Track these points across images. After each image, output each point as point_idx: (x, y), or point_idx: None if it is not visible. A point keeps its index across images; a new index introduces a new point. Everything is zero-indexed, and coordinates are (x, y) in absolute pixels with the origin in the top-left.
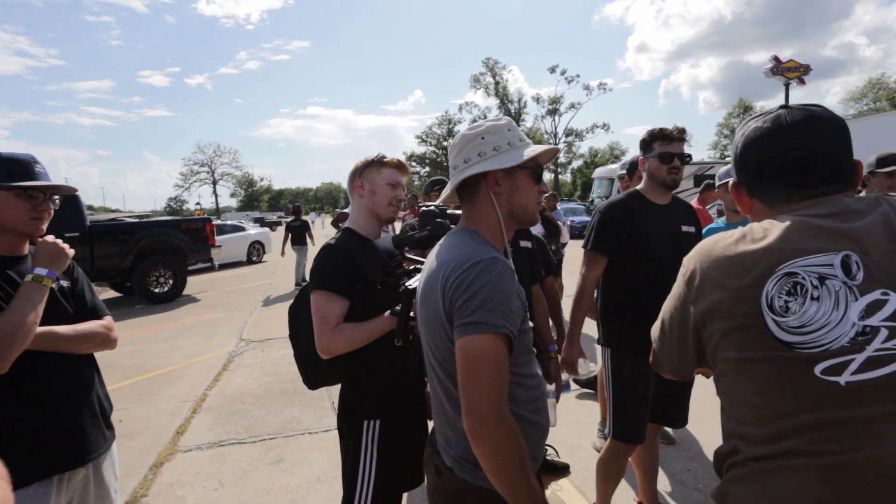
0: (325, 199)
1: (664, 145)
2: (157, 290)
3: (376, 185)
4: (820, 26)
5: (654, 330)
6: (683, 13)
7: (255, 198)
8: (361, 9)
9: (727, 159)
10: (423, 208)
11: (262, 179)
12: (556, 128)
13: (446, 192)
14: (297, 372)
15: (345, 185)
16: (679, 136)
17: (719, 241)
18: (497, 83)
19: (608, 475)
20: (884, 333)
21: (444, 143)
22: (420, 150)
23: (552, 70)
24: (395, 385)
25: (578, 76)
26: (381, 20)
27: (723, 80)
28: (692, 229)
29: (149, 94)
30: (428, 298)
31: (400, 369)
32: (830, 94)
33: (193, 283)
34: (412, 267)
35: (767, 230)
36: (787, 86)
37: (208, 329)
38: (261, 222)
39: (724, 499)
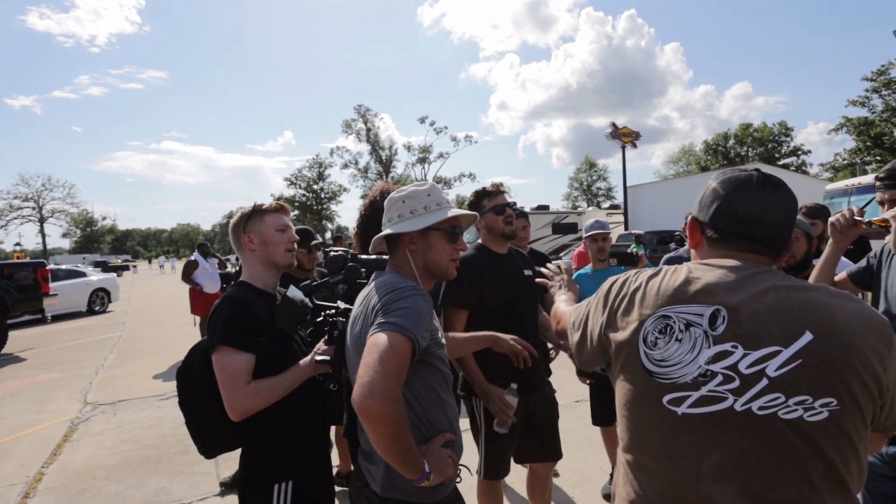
0: (182, 241)
1: (492, 200)
2: None
3: (265, 234)
4: (644, 100)
5: (572, 324)
6: (538, 79)
7: (94, 239)
8: (227, 44)
9: (579, 209)
10: (332, 254)
11: (104, 218)
12: (425, 176)
13: (373, 244)
14: (161, 436)
15: (204, 226)
16: (501, 189)
17: (634, 279)
18: (369, 129)
19: None
20: (719, 378)
21: (315, 187)
22: (289, 192)
23: (422, 120)
24: (307, 439)
25: (446, 128)
26: (250, 58)
27: (571, 139)
28: (531, 272)
29: None
30: (357, 323)
31: (315, 420)
32: (654, 156)
33: (17, 339)
34: (326, 313)
35: (666, 277)
36: (623, 148)
37: (39, 393)
38: (104, 267)
39: (620, 488)
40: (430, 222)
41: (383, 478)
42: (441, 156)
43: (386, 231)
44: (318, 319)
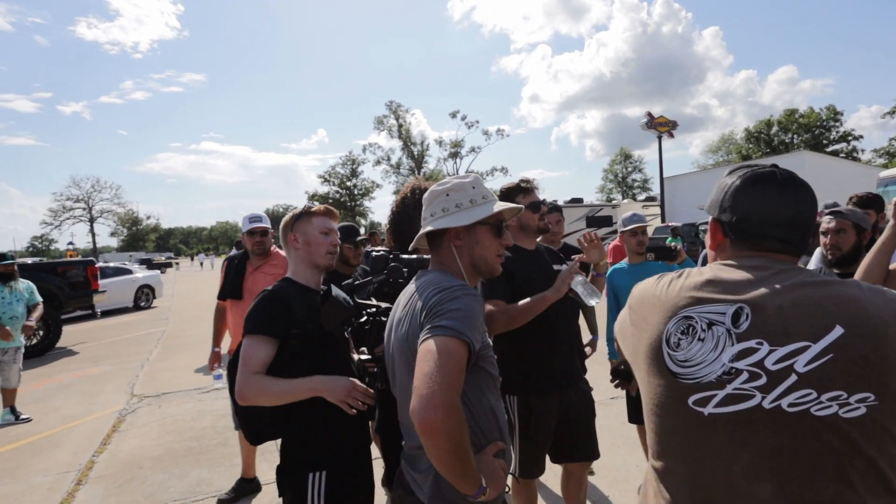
0: (221, 238)
1: (527, 196)
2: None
3: (310, 235)
4: (682, 88)
5: (616, 333)
6: (570, 69)
7: (139, 237)
8: (263, 45)
9: (613, 202)
10: (374, 254)
11: (148, 217)
12: (457, 170)
13: (417, 240)
14: (202, 428)
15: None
16: (534, 186)
17: (657, 283)
18: (400, 125)
19: None
20: (745, 376)
21: (348, 184)
22: (323, 189)
23: (453, 115)
24: (343, 433)
25: (478, 122)
26: (284, 58)
27: (606, 130)
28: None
29: (10, 119)
30: (402, 325)
31: (353, 415)
32: (693, 146)
33: (70, 334)
34: (367, 311)
35: (688, 278)
36: (659, 138)
37: (91, 385)
38: (148, 264)
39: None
40: (478, 217)
41: (432, 488)
42: (473, 150)
43: (429, 227)
44: (362, 320)
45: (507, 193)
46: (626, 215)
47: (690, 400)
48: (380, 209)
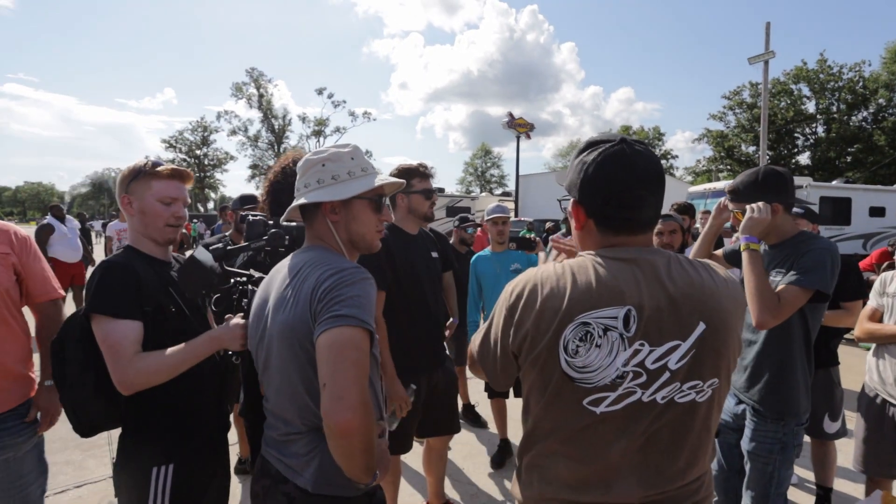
0: (30, 202)
1: (423, 182)
2: None
3: (146, 202)
4: (540, 94)
5: (476, 345)
6: (440, 62)
7: None
8: None
9: (472, 194)
10: (251, 218)
11: None
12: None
13: (288, 213)
14: None
15: (60, 186)
16: (432, 173)
17: (542, 283)
18: (261, 95)
19: (389, 480)
20: (630, 376)
21: (197, 152)
22: (168, 156)
23: (320, 92)
24: (198, 419)
25: (345, 102)
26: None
27: (470, 125)
28: (437, 254)
29: None
30: (287, 307)
31: (209, 398)
32: (545, 149)
33: None
34: (236, 280)
35: (576, 275)
36: (518, 138)
37: None
38: None
39: (528, 471)
40: (356, 191)
41: (316, 473)
42: (338, 130)
43: (302, 199)
44: (226, 286)
45: (405, 174)
46: (491, 206)
47: (585, 401)
48: (233, 183)
